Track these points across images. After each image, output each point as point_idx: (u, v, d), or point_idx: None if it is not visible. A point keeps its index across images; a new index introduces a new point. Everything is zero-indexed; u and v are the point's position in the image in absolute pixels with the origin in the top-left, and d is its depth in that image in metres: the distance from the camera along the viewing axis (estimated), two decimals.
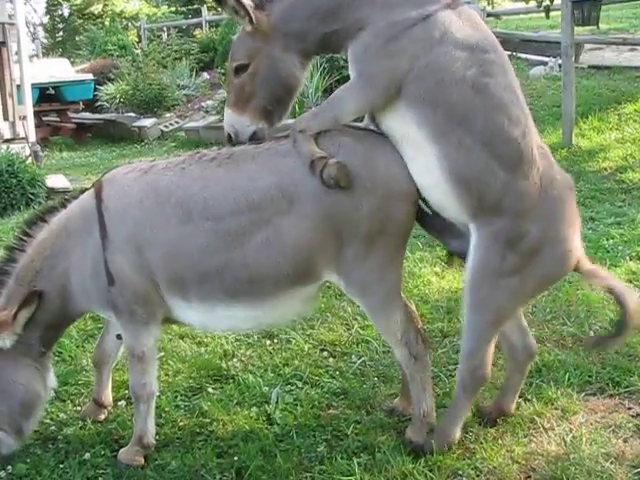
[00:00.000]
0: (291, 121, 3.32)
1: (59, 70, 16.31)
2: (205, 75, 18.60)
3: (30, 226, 3.42)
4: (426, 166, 3.07)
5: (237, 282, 3.14)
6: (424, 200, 3.21)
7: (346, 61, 3.19)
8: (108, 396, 3.82)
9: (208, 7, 26.92)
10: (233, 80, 3.27)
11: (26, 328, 3.30)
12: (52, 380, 3.51)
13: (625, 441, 3.31)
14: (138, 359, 3.32)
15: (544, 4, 9.67)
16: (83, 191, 3.48)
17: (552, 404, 3.63)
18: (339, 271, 3.16)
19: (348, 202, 3.05)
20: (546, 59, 13.10)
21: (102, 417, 3.78)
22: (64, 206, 3.44)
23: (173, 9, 33.54)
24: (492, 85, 3.01)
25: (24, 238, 3.40)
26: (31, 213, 4.47)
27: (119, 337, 3.52)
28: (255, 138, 3.27)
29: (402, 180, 3.13)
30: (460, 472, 3.16)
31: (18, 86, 11.05)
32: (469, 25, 3.08)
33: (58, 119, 15.98)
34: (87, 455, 3.44)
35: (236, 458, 3.35)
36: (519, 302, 3.27)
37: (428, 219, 3.32)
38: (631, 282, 4.98)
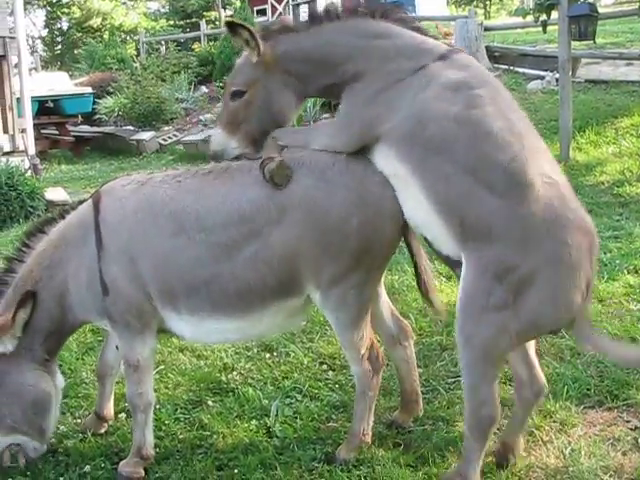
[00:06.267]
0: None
1: (58, 83, 16.35)
2: (203, 89, 18.65)
3: (29, 237, 3.46)
4: (415, 200, 3.06)
5: (224, 295, 3.17)
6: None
7: None
8: (110, 409, 3.83)
9: (206, 21, 27.11)
10: (228, 102, 3.34)
11: (28, 335, 3.34)
12: (60, 380, 3.56)
13: (624, 454, 3.32)
14: (134, 368, 3.34)
15: (541, 19, 9.72)
16: (81, 202, 3.51)
17: (551, 417, 3.64)
18: (320, 285, 3.18)
19: (338, 216, 3.09)
20: (543, 73, 13.14)
21: (102, 430, 3.78)
22: (63, 217, 3.48)
23: (172, 23, 33.77)
24: (477, 116, 2.95)
25: (23, 249, 3.45)
26: (30, 225, 4.50)
27: (118, 348, 3.53)
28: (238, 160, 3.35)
29: (392, 200, 3.14)
30: None
31: (18, 99, 11.09)
32: (459, 69, 3.09)
33: (57, 132, 16.01)
34: (87, 468, 3.44)
35: (236, 471, 3.36)
36: (509, 340, 2.93)
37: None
38: (629, 295, 5.00)
